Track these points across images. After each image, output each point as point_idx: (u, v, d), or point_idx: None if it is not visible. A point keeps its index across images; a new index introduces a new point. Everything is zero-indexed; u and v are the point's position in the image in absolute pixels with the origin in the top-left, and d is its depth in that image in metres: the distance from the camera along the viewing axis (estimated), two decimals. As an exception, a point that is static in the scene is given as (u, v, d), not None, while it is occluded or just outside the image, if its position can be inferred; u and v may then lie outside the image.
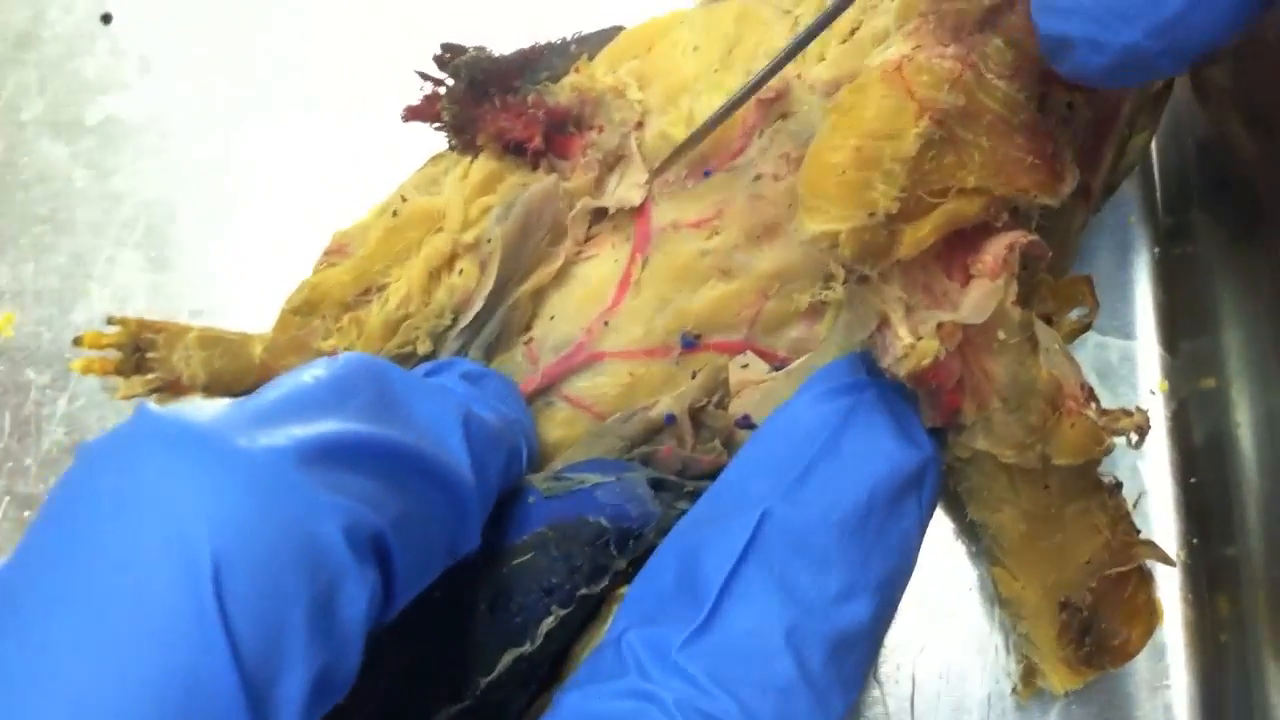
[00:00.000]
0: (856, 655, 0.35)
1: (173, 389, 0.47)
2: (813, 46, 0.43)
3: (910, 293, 0.36)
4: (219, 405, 0.28)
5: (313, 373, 0.31)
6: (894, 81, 0.35)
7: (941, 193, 0.36)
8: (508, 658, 0.35)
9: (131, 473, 0.26)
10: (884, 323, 0.36)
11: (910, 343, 0.35)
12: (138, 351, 0.47)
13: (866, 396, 0.37)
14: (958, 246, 0.38)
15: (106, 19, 0.51)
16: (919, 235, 0.35)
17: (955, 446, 0.40)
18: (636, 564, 0.37)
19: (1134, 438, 0.38)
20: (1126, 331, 0.46)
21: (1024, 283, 0.39)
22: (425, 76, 0.44)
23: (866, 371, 0.38)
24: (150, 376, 0.46)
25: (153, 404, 0.27)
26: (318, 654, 0.26)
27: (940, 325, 0.36)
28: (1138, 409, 0.38)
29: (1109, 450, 0.38)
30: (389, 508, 0.29)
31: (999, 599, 0.43)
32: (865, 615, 0.34)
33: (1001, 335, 0.36)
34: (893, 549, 0.36)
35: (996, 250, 0.36)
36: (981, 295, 0.36)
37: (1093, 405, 0.37)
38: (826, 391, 0.38)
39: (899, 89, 0.35)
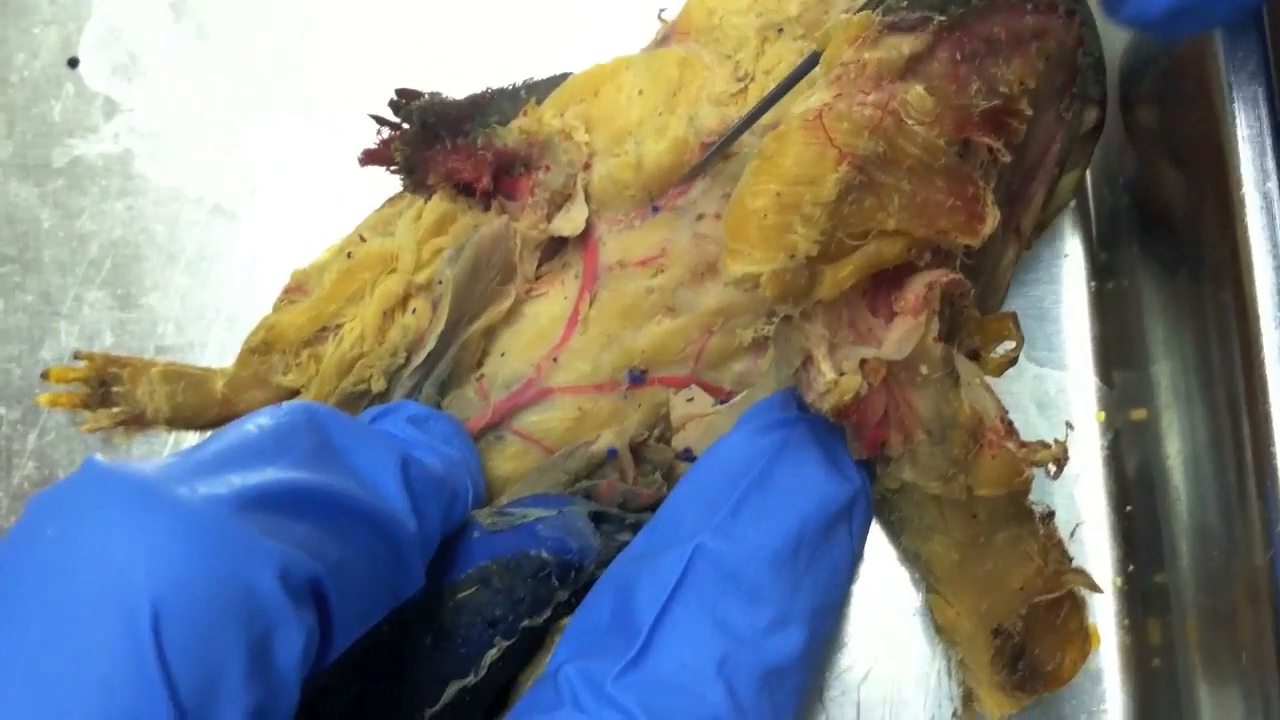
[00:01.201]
0: (789, 685, 0.36)
1: (137, 422, 0.48)
2: (753, 91, 0.44)
3: (835, 330, 0.37)
4: (163, 459, 0.29)
5: (256, 422, 0.32)
6: (814, 129, 0.36)
7: (862, 235, 0.36)
8: (452, 689, 0.36)
9: (75, 523, 0.27)
10: (808, 360, 0.37)
11: (833, 379, 0.36)
12: (103, 386, 0.48)
13: (797, 431, 0.38)
14: (882, 284, 0.39)
15: (73, 63, 0.52)
16: (840, 276, 0.36)
17: (884, 478, 0.41)
18: (578, 595, 0.38)
19: (1052, 469, 0.38)
20: (1063, 363, 0.47)
21: (948, 319, 0.40)
22: (380, 121, 0.45)
23: (798, 406, 0.39)
24: (115, 410, 0.48)
25: (99, 457, 0.29)
26: (254, 696, 0.27)
27: (864, 361, 0.37)
28: (1056, 441, 0.38)
29: (1028, 481, 0.39)
30: (328, 553, 0.30)
31: (935, 625, 0.44)
32: (797, 645, 0.35)
33: (924, 370, 0.37)
34: (823, 580, 0.37)
35: (918, 289, 0.38)
36: (903, 332, 0.37)
37: (1013, 438, 0.38)
38: (760, 426, 0.39)
39: (819, 136, 0.36)
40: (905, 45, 0.37)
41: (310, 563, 0.28)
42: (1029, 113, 0.39)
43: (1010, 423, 0.39)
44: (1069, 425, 0.45)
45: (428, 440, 0.39)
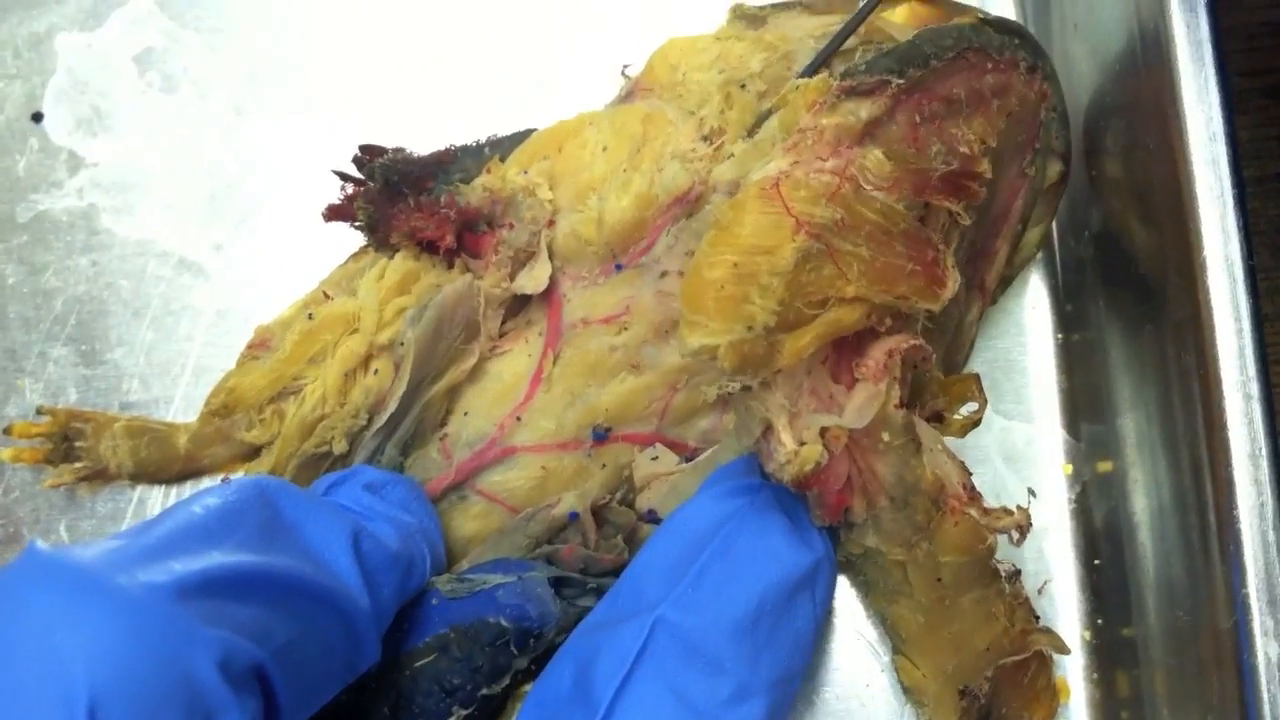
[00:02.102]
0: None
1: (100, 477, 0.47)
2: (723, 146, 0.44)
3: (795, 397, 0.37)
4: (106, 543, 0.29)
5: (203, 502, 0.32)
6: (771, 198, 0.35)
7: (821, 303, 0.36)
8: (410, 758, 0.37)
9: (14, 612, 0.26)
10: (768, 430, 0.36)
11: (793, 449, 0.35)
12: (67, 441, 0.47)
13: (760, 497, 0.38)
14: (843, 350, 0.38)
15: (37, 118, 0.52)
16: (799, 345, 0.36)
17: (848, 543, 0.40)
18: (538, 662, 0.38)
19: (1015, 535, 0.38)
20: (1031, 416, 0.47)
21: (910, 383, 0.39)
22: (343, 177, 0.44)
23: (761, 472, 0.39)
24: (79, 465, 0.47)
25: (40, 543, 0.28)
26: None
27: (825, 430, 0.36)
28: (1019, 508, 0.38)
29: (992, 548, 0.38)
30: (275, 635, 0.29)
31: (902, 686, 0.43)
32: (758, 716, 0.35)
33: (886, 437, 0.37)
34: (785, 649, 0.36)
35: (878, 356, 0.37)
36: (864, 400, 0.37)
37: (976, 504, 0.38)
38: (722, 492, 0.38)
39: (775, 205, 0.35)
40: (863, 110, 0.37)
41: (253, 649, 0.28)
42: (989, 175, 0.39)
43: (973, 489, 0.38)
44: (1031, 492, 0.44)
45: (384, 508, 0.38)
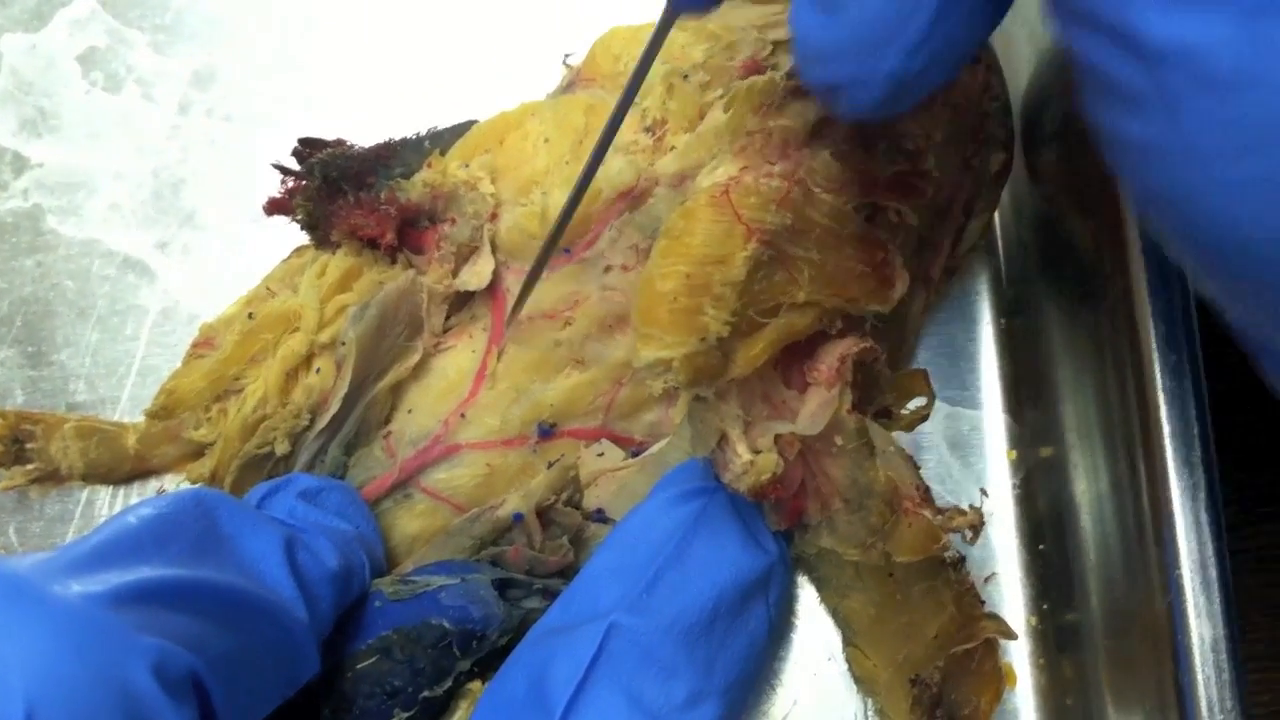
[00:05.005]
0: None
1: (52, 479, 0.45)
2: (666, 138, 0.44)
3: (749, 405, 0.35)
4: (40, 555, 0.28)
5: (138, 513, 0.31)
6: (721, 205, 0.34)
7: (773, 310, 0.35)
8: (350, 761, 0.36)
9: None
10: (723, 439, 0.35)
11: (749, 460, 0.34)
12: (17, 443, 0.45)
13: (715, 500, 0.37)
14: (794, 354, 0.37)
15: (-21, 121, 0.51)
16: (752, 353, 0.35)
17: (803, 544, 0.39)
18: (481, 664, 0.36)
19: (968, 534, 0.37)
20: (976, 402, 0.45)
21: (861, 384, 0.38)
22: (283, 170, 0.42)
23: (716, 476, 0.37)
24: (30, 467, 0.45)
25: (-24, 558, 0.28)
26: None
27: (778, 437, 0.35)
28: (971, 508, 0.37)
29: (946, 548, 0.37)
30: (210, 645, 0.28)
31: (854, 676, 0.42)
32: (713, 719, 0.34)
33: (839, 441, 0.36)
34: (739, 652, 0.35)
35: (830, 361, 0.36)
36: (817, 406, 0.35)
37: (929, 505, 0.37)
38: (677, 495, 0.37)
39: (726, 213, 0.34)
40: (810, 111, 0.35)
41: (188, 656, 0.27)
42: (936, 173, 0.37)
43: (927, 489, 0.37)
44: (983, 492, 0.43)
45: (320, 517, 0.37)
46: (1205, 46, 0.20)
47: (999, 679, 0.40)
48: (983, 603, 0.40)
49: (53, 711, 0.24)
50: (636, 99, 0.44)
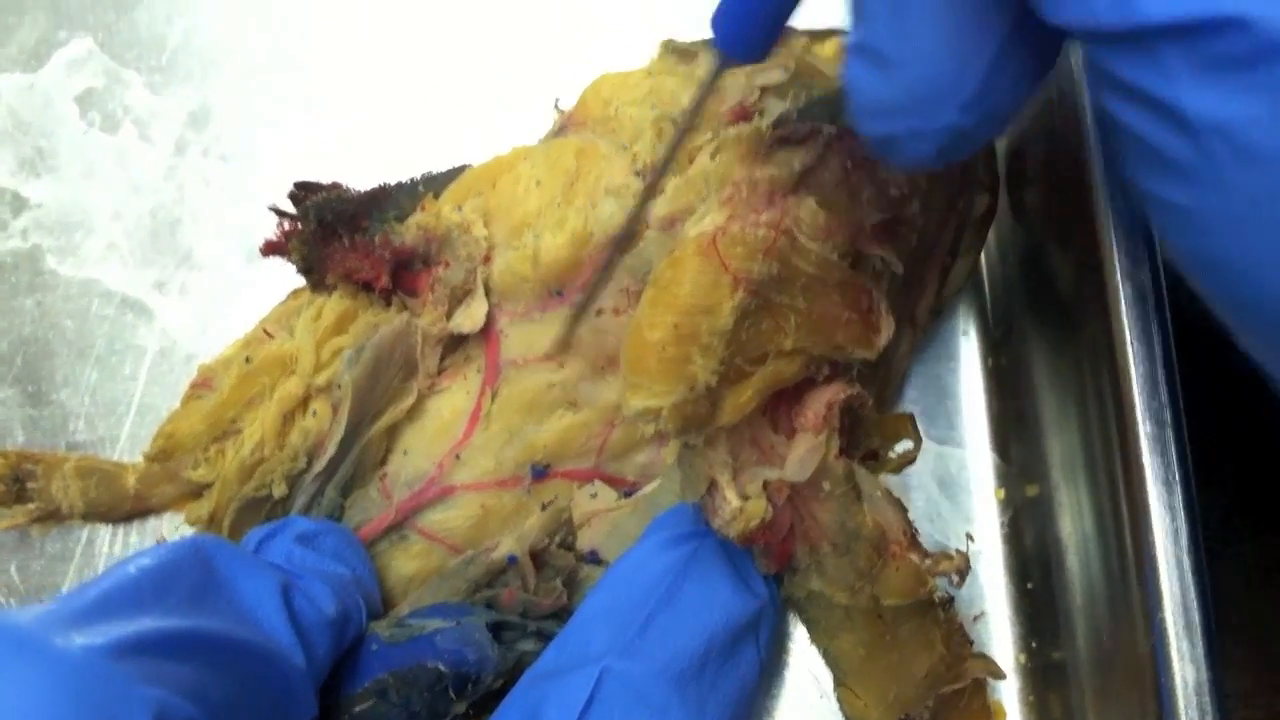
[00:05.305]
0: None
1: (53, 517, 0.46)
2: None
3: (737, 451, 0.36)
4: (41, 606, 0.28)
5: (138, 563, 0.31)
6: (708, 255, 0.34)
7: (760, 358, 0.35)
8: (348, 803, 0.36)
9: None
10: (713, 486, 0.36)
11: (738, 506, 0.34)
12: (18, 482, 0.46)
13: (706, 544, 0.37)
14: (782, 400, 0.37)
15: (-24, 159, 0.52)
16: (740, 401, 0.35)
17: (792, 585, 0.39)
18: (476, 707, 0.37)
19: (955, 579, 0.37)
20: (963, 441, 0.46)
21: (848, 428, 0.38)
22: (279, 213, 0.42)
23: (706, 520, 0.38)
24: (30, 506, 0.45)
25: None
26: None
27: (767, 483, 0.35)
28: (958, 552, 0.38)
29: (933, 591, 0.37)
30: (211, 694, 0.29)
31: (845, 717, 0.42)
32: None
33: (827, 486, 0.36)
34: (730, 693, 0.36)
35: (818, 407, 0.36)
36: (805, 452, 0.36)
37: (916, 549, 0.37)
38: (668, 539, 0.37)
39: (713, 263, 0.34)
40: (796, 160, 0.35)
41: (188, 707, 0.27)
42: (921, 220, 0.38)
43: (914, 533, 0.37)
44: (969, 536, 0.43)
45: (317, 561, 0.37)
46: (1244, 122, 0.21)
47: (988, 718, 0.41)
48: (971, 642, 0.40)
49: None
50: (626, 143, 0.45)
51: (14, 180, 0.51)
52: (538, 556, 0.40)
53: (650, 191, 0.37)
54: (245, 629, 0.31)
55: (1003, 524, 0.45)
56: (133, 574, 0.31)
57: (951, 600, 0.40)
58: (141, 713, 0.26)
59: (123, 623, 0.28)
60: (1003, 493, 0.45)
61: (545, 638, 0.38)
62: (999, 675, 0.40)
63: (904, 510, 0.38)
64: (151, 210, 0.51)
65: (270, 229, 0.44)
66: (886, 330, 0.37)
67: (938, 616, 0.39)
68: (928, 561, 0.37)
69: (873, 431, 0.40)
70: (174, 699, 0.28)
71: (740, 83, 0.43)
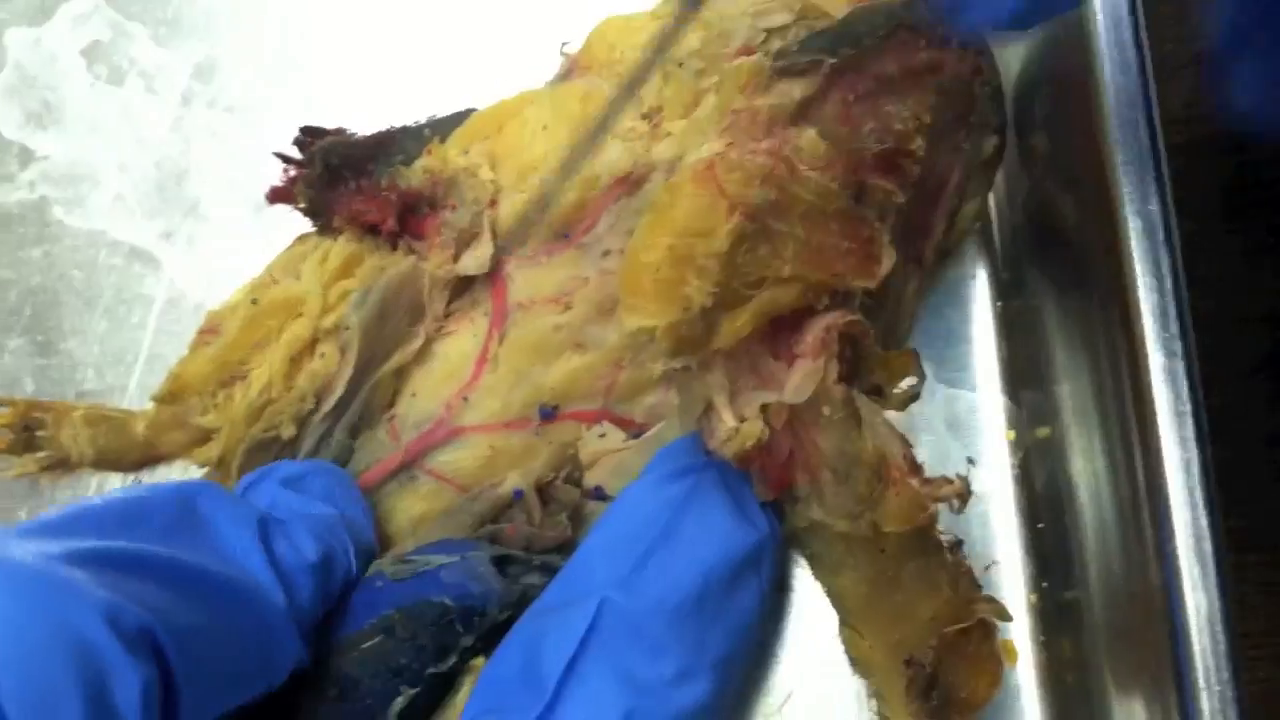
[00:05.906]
0: None
1: (63, 466, 0.45)
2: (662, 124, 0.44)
3: (736, 376, 0.36)
4: (10, 525, 0.29)
5: (107, 496, 0.31)
6: (705, 180, 0.34)
7: (757, 283, 0.35)
8: (359, 740, 0.35)
9: None
10: (709, 408, 0.36)
11: (734, 426, 0.35)
12: (28, 431, 0.46)
13: (705, 477, 0.37)
14: (782, 328, 0.37)
15: (-14, 111, 0.52)
16: (736, 325, 0.35)
17: (793, 516, 0.39)
18: (484, 639, 0.37)
19: (955, 504, 0.37)
20: (973, 383, 0.46)
21: (849, 359, 0.38)
22: (285, 159, 0.43)
23: (705, 451, 0.38)
24: (41, 455, 0.45)
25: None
26: None
27: (765, 406, 0.35)
28: (958, 476, 0.37)
29: (933, 517, 0.37)
30: (177, 619, 0.28)
31: (849, 658, 0.42)
32: (704, 694, 0.34)
33: (826, 412, 0.36)
34: (731, 628, 0.36)
35: (816, 332, 0.36)
36: (802, 376, 0.36)
37: (916, 475, 0.37)
38: (667, 474, 0.37)
39: (710, 187, 0.34)
40: (796, 90, 0.36)
41: (142, 612, 0.27)
42: (922, 152, 0.38)
43: (914, 460, 0.37)
44: (970, 460, 0.43)
45: (301, 503, 0.37)
46: None
47: (997, 664, 0.40)
48: (980, 587, 0.40)
49: (11, 664, 0.25)
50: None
51: (21, 133, 0.52)
52: (543, 491, 0.40)
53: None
54: (223, 565, 0.32)
55: (1013, 465, 0.45)
56: (98, 504, 0.31)
57: (960, 543, 0.39)
58: (96, 613, 0.26)
59: (81, 540, 0.28)
60: (1013, 434, 0.45)
61: (550, 572, 0.38)
62: (1006, 617, 0.40)
63: (904, 439, 0.38)
64: (158, 162, 0.51)
65: (276, 179, 0.43)
66: (887, 260, 0.37)
67: (944, 559, 0.39)
68: (927, 487, 0.36)
69: (876, 367, 0.40)
70: (127, 603, 0.27)
71: (746, 24, 0.43)
